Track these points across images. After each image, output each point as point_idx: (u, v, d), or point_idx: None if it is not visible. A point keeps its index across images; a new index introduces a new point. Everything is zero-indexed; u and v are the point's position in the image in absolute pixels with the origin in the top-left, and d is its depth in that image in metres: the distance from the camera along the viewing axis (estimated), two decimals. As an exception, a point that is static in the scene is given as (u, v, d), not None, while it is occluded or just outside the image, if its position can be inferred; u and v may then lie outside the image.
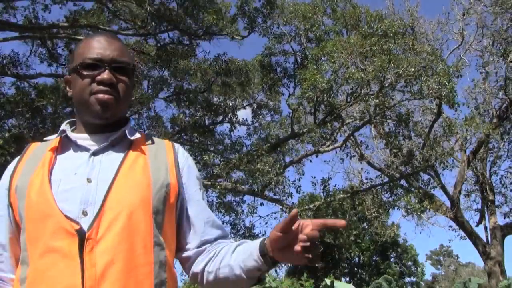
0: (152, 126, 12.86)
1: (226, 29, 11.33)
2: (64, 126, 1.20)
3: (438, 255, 46.77)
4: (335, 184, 15.95)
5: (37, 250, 1.02)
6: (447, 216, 14.53)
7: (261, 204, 13.45)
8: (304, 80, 10.28)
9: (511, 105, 13.81)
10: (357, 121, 12.22)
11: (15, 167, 1.16)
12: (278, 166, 11.48)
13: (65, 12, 13.64)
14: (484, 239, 15.28)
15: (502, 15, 13.07)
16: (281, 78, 13.50)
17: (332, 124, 12.09)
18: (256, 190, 11.90)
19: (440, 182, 14.44)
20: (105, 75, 1.15)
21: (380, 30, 10.67)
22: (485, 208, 15.59)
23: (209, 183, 11.30)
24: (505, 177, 15.49)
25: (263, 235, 14.85)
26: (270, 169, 10.97)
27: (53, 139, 1.19)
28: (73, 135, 1.18)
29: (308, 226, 0.98)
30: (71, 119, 1.27)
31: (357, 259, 29.48)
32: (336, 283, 9.18)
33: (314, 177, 13.86)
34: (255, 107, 14.22)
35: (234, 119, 13.58)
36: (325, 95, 10.37)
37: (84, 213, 1.03)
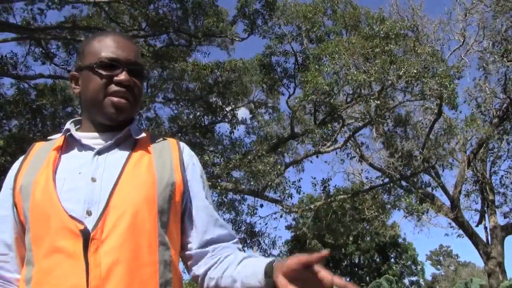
0: (151, 127, 12.85)
1: (227, 30, 11.34)
2: (69, 125, 1.19)
3: (438, 255, 46.78)
4: (335, 185, 15.97)
5: (42, 250, 1.01)
6: (447, 217, 14.53)
7: (261, 205, 13.47)
8: (306, 83, 10.28)
9: (511, 105, 13.82)
10: (358, 122, 12.23)
11: (20, 166, 1.15)
12: (278, 167, 11.48)
13: (64, 14, 13.65)
14: (484, 239, 15.28)
15: (503, 16, 13.07)
16: (281, 78, 13.50)
17: (332, 125, 12.10)
18: (256, 190, 11.90)
19: (440, 182, 14.44)
20: (123, 76, 1.14)
21: (382, 32, 10.69)
22: (485, 208, 15.60)
23: (209, 183, 11.29)
24: (505, 177, 15.51)
25: (263, 234, 14.88)
26: (270, 170, 10.97)
27: (58, 138, 1.18)
28: (77, 134, 1.17)
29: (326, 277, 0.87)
30: (76, 118, 1.26)
31: (357, 259, 29.49)
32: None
33: (314, 178, 13.87)
34: (253, 106, 14.21)
35: (234, 119, 13.59)
36: (326, 97, 10.38)
37: (89, 213, 1.03)
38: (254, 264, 1.05)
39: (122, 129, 1.17)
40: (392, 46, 10.37)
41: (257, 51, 15.25)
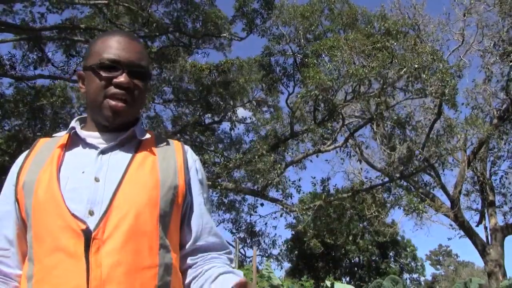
0: (152, 126, 12.85)
1: (226, 30, 11.35)
2: (74, 123, 1.18)
3: (437, 255, 46.79)
4: (335, 184, 15.99)
5: (43, 248, 1.01)
6: (447, 217, 14.53)
7: (261, 204, 13.49)
8: (307, 78, 10.27)
9: (511, 105, 13.81)
10: (358, 120, 12.24)
11: (23, 162, 1.14)
12: (278, 166, 11.49)
13: (63, 16, 13.66)
14: (484, 239, 15.28)
15: (503, 16, 13.07)
16: (281, 78, 13.52)
17: (332, 124, 12.11)
18: (256, 190, 11.91)
19: (440, 182, 14.44)
20: (122, 78, 1.13)
21: (383, 28, 10.70)
22: (485, 208, 15.60)
23: (209, 183, 11.30)
24: (505, 177, 15.51)
25: (263, 233, 14.91)
26: (270, 169, 10.98)
27: (62, 136, 1.17)
28: (82, 133, 1.16)
29: None
30: (81, 116, 1.25)
31: (357, 259, 29.49)
32: (336, 284, 9.16)
33: (314, 177, 13.92)
34: (254, 105, 14.22)
35: (234, 117, 13.60)
36: (327, 93, 10.38)
37: (91, 213, 1.02)
38: (225, 282, 1.06)
39: (126, 129, 1.16)
40: (393, 41, 10.38)
41: (256, 52, 15.26)
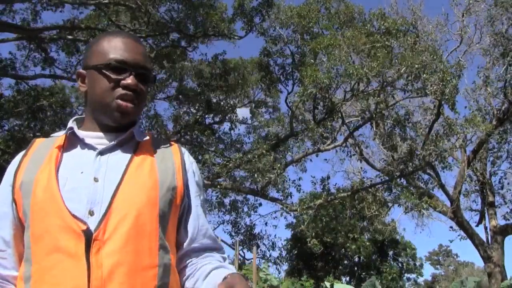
0: (152, 126, 12.85)
1: (224, 30, 11.36)
2: (71, 123, 1.18)
3: (437, 255, 46.79)
4: (335, 183, 16.00)
5: (42, 248, 1.00)
6: (447, 217, 14.53)
7: (260, 204, 13.49)
8: (305, 77, 10.28)
9: (511, 106, 13.81)
10: (358, 119, 12.24)
11: (20, 162, 1.13)
12: (278, 165, 11.49)
13: (64, 16, 13.67)
14: (484, 239, 15.28)
15: (502, 15, 13.07)
16: (279, 78, 13.54)
17: (332, 123, 12.12)
18: (256, 189, 11.91)
19: (440, 182, 14.44)
20: (130, 80, 1.13)
21: (382, 27, 10.70)
22: (485, 209, 15.60)
23: (209, 182, 11.30)
24: (505, 178, 15.52)
25: (264, 234, 14.90)
26: (270, 169, 10.99)
27: (60, 136, 1.17)
28: (81, 133, 1.16)
29: None
30: (78, 116, 1.25)
31: (357, 258, 29.48)
32: (336, 285, 9.15)
33: (314, 177, 13.93)
34: (253, 106, 14.23)
35: (234, 117, 13.61)
36: (326, 92, 10.39)
37: (91, 213, 1.02)
38: (217, 277, 1.07)
39: (125, 130, 1.16)
40: (393, 41, 10.39)
41: (254, 52, 15.30)
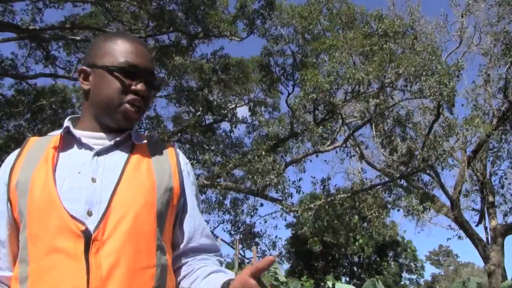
0: (152, 126, 12.85)
1: (226, 31, 11.35)
2: (67, 122, 1.17)
3: (437, 255, 46.77)
4: (335, 184, 16.00)
5: (40, 249, 1.00)
6: (447, 217, 14.54)
7: (261, 204, 13.48)
8: (305, 81, 10.28)
9: (511, 106, 13.82)
10: (358, 121, 12.24)
11: (15, 161, 1.12)
12: (278, 166, 11.49)
13: (65, 14, 13.67)
14: (484, 239, 15.28)
15: (503, 15, 13.06)
16: (280, 78, 13.53)
17: (332, 124, 12.11)
18: (256, 190, 11.91)
19: (440, 182, 14.44)
20: (140, 86, 1.14)
21: (380, 30, 10.69)
22: (485, 208, 15.60)
23: (209, 183, 11.29)
24: (505, 178, 15.52)
25: (263, 233, 14.89)
26: (270, 169, 10.98)
27: (55, 135, 1.16)
28: (77, 133, 1.15)
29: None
30: (73, 116, 1.24)
31: (356, 258, 29.48)
32: (337, 284, 9.15)
33: (314, 177, 13.93)
34: (252, 105, 14.21)
35: (234, 118, 13.59)
36: (326, 95, 10.39)
37: (89, 213, 1.02)
38: (216, 280, 1.07)
39: (122, 131, 1.16)
40: (390, 44, 10.39)
41: (255, 52, 15.28)
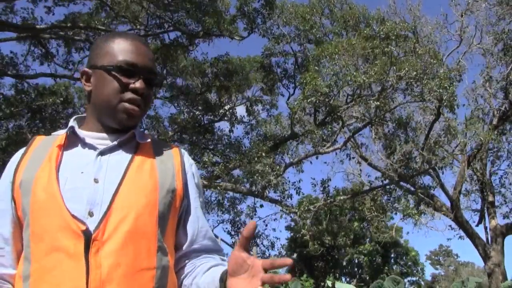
0: (152, 126, 12.85)
1: (226, 31, 11.34)
2: (72, 122, 1.18)
3: (437, 255, 46.74)
4: (335, 186, 16.00)
5: (41, 247, 1.00)
6: (447, 217, 14.52)
7: (261, 205, 13.46)
8: (305, 84, 10.28)
9: (511, 105, 13.81)
10: (358, 123, 12.23)
11: (20, 160, 1.13)
12: (278, 167, 11.48)
13: (65, 12, 13.66)
14: (484, 239, 15.27)
15: (504, 14, 13.06)
16: (281, 79, 13.51)
17: (332, 125, 12.09)
18: (255, 191, 11.90)
19: (440, 182, 14.43)
20: (139, 84, 1.14)
21: (382, 33, 10.68)
22: (485, 208, 15.59)
23: (208, 183, 11.29)
24: (505, 177, 15.51)
25: (262, 234, 14.89)
26: (269, 170, 10.97)
27: (60, 135, 1.17)
28: (82, 133, 1.15)
29: (258, 267, 0.94)
30: (79, 115, 1.25)
31: (356, 260, 29.46)
32: (337, 284, 9.17)
33: (314, 179, 13.93)
34: (249, 104, 14.19)
35: (233, 117, 13.58)
36: (326, 98, 10.39)
37: (90, 214, 1.02)
38: (216, 272, 1.07)
39: (125, 131, 1.16)
40: (392, 47, 10.38)
41: (256, 52, 15.26)
